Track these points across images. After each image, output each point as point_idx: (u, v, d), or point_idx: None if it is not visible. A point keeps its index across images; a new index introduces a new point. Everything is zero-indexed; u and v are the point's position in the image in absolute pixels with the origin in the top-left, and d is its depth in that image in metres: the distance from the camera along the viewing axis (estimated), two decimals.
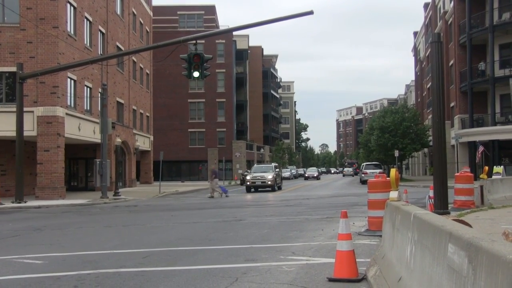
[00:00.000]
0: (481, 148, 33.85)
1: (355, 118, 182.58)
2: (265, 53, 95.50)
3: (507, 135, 40.14)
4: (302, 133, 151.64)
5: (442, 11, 54.92)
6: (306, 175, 74.72)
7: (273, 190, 37.75)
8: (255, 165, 45.19)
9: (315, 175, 73.43)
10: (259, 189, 38.12)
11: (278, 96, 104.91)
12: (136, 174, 48.63)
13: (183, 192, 39.08)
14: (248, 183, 38.34)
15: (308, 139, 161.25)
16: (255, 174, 38.69)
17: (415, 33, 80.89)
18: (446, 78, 48.01)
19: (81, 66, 28.75)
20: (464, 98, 45.88)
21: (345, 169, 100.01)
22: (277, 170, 41.23)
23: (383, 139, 52.37)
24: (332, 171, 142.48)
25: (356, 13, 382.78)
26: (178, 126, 71.11)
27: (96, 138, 34.15)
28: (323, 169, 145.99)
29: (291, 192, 37.15)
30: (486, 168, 21.67)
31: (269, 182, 37.65)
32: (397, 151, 50.40)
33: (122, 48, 42.32)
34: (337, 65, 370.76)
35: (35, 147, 30.19)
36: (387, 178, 11.57)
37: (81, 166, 40.89)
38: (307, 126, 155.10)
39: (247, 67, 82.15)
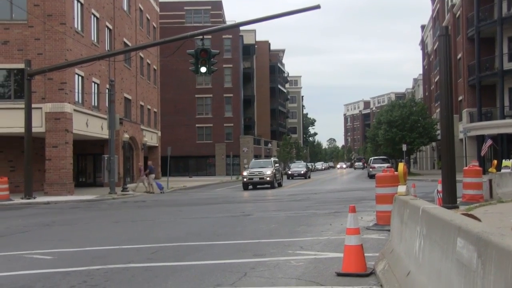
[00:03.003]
0: (489, 142, 33.66)
1: (363, 112, 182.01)
2: (272, 47, 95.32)
3: None
4: (310, 127, 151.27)
5: (449, 4, 54.56)
6: (290, 172, 55.50)
7: (273, 187, 34.59)
8: (253, 160, 41.03)
9: (302, 172, 54.82)
10: (258, 186, 35.18)
11: (285, 90, 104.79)
12: (144, 170, 48.71)
13: (191, 187, 39.18)
14: (245, 179, 34.72)
15: (315, 134, 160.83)
16: (252, 170, 35.10)
17: (423, 27, 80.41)
18: (454, 72, 47.71)
19: (88, 62, 28.81)
20: (472, 92, 45.63)
21: (356, 163, 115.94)
22: (277, 165, 37.92)
23: (390, 133, 52.19)
24: (339, 166, 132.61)
25: (364, 7, 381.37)
26: (186, 122, 71.21)
27: (104, 134, 34.26)
28: (330, 164, 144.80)
29: (293, 188, 35.19)
30: (495, 161, 21.54)
31: (268, 178, 34.28)
32: (405, 145, 50.23)
33: (129, 44, 42.36)
34: (345, 59, 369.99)
35: (43, 143, 30.34)
36: (395, 173, 11.54)
37: (89, 162, 41.06)
38: (315, 121, 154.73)
39: (254, 62, 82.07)
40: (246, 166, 37.93)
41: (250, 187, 34.83)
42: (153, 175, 32.80)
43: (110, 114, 30.27)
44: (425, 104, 61.14)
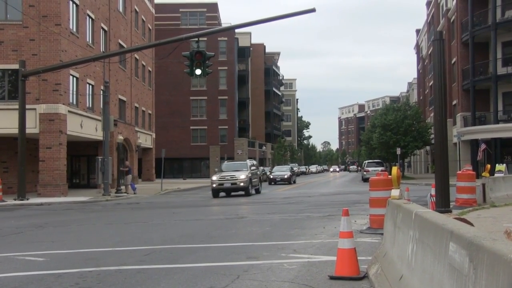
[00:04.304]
0: (483, 146, 33.80)
1: (357, 115, 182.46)
2: (267, 50, 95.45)
3: (509, 133, 40.07)
4: (304, 130, 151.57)
5: (444, 8, 54.82)
6: (272, 176, 48.71)
7: (247, 193, 29.06)
8: (225, 162, 34.27)
9: (286, 177, 47.75)
10: (232, 193, 29.80)
11: (280, 93, 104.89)
12: (138, 172, 48.65)
13: (185, 189, 39.14)
14: (214, 185, 29.00)
15: (310, 137, 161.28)
16: (223, 174, 29.50)
17: (418, 31, 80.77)
18: (449, 76, 47.94)
19: (83, 63, 28.78)
20: (466, 96, 45.81)
21: (351, 166, 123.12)
22: (253, 168, 31.95)
23: (385, 137, 52.30)
24: (332, 169, 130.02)
25: (360, 10, 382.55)
26: (180, 124, 71.15)
27: (98, 135, 34.17)
28: (324, 167, 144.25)
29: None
30: (488, 166, 21.61)
31: (242, 184, 28.78)
32: (399, 149, 50.34)
33: (125, 46, 42.31)
34: (340, 62, 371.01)
35: (37, 144, 30.24)
36: (389, 176, 11.56)
37: (83, 164, 40.93)
38: (309, 124, 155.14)
39: (249, 65, 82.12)
40: (216, 169, 31.12)
41: (223, 194, 29.71)
42: (130, 176, 32.64)
43: (104, 116, 30.20)
44: (420, 108, 61.32)
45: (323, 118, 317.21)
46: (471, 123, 43.45)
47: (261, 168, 47.54)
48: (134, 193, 31.66)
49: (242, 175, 29.07)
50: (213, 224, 14.70)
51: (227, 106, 72.69)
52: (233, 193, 29.74)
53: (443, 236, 4.13)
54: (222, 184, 28.87)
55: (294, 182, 49.97)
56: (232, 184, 28.85)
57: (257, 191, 31.78)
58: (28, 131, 27.23)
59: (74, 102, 32.22)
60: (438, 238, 4.30)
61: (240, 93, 77.82)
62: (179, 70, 63.08)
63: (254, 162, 34.30)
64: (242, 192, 29.33)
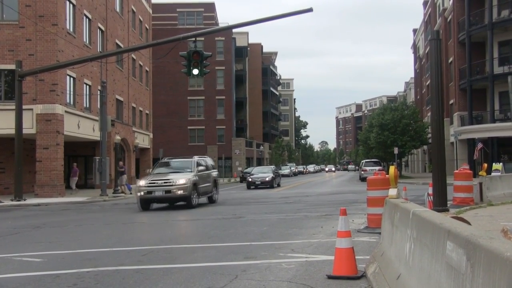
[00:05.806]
0: (480, 145, 33.86)
1: (355, 115, 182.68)
2: (264, 50, 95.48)
3: (506, 132, 40.12)
4: (302, 130, 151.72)
5: (441, 8, 54.87)
6: (250, 179, 40.15)
7: (190, 205, 20.66)
8: (164, 160, 24.40)
9: (267, 180, 39.58)
10: (175, 203, 21.84)
11: (277, 93, 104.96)
12: (136, 172, 48.60)
13: None
14: (140, 193, 20.56)
15: (307, 136, 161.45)
16: (156, 178, 21.09)
17: (415, 30, 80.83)
18: (446, 75, 47.99)
19: (80, 63, 28.72)
20: (463, 95, 45.88)
21: (349, 166, 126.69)
22: (202, 168, 22.59)
23: (382, 137, 52.35)
24: (327, 169, 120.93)
25: (358, 9, 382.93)
26: (178, 124, 71.13)
27: (96, 135, 34.13)
28: (322, 166, 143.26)
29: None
30: (485, 165, 21.65)
31: (180, 192, 20.40)
32: (397, 148, 50.40)
33: (122, 46, 42.25)
34: (338, 61, 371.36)
35: (34, 144, 30.18)
36: (386, 176, 11.57)
37: (80, 164, 40.79)
38: (307, 124, 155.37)
39: (246, 64, 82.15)
40: (148, 170, 24.27)
41: (163, 205, 22.19)
42: (125, 176, 32.58)
43: (101, 116, 30.17)
44: (417, 108, 61.37)
45: (320, 118, 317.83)
46: (468, 122, 43.54)
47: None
48: (130, 193, 31.70)
49: (182, 179, 20.64)
50: (211, 224, 14.70)
51: (225, 106, 72.69)
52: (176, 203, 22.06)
53: (441, 235, 4.14)
54: (151, 192, 20.53)
55: (278, 185, 42.29)
56: (166, 192, 20.44)
57: (211, 200, 23.79)
58: (25, 131, 27.17)
59: (71, 102, 32.17)
60: (435, 237, 4.31)
61: (237, 93, 77.84)
62: (177, 70, 62.90)
63: (207, 160, 24.98)
64: (183, 202, 21.10)
